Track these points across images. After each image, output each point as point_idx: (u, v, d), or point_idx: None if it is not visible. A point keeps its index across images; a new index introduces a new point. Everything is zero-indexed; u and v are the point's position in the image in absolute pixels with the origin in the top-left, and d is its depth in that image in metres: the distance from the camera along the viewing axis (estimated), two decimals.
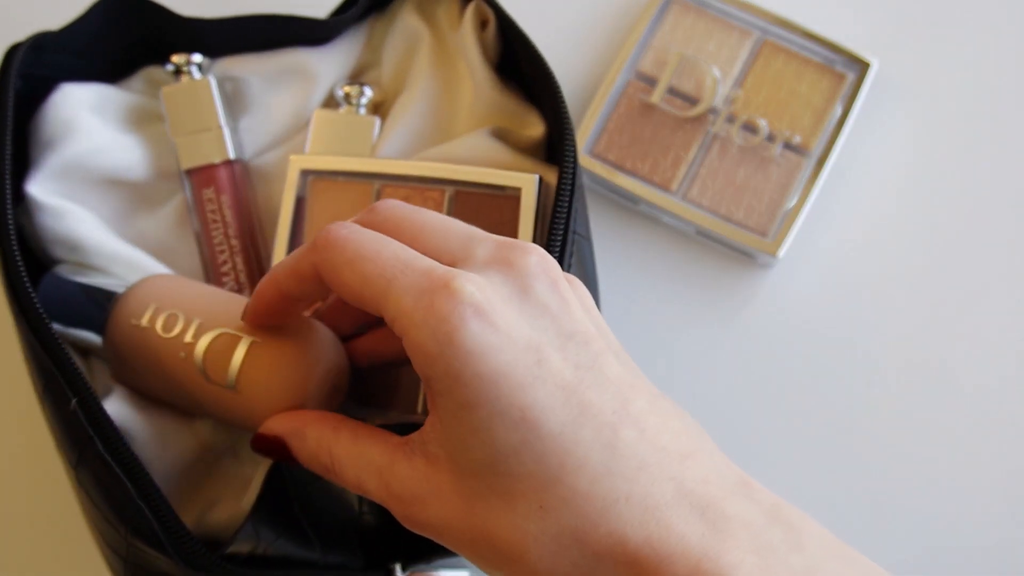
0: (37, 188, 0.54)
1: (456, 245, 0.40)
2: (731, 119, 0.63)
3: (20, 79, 0.53)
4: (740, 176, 0.62)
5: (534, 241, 0.52)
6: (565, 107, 0.53)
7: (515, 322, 0.37)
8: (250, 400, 0.49)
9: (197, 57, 0.58)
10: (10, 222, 0.49)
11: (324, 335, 0.50)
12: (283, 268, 0.43)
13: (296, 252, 0.42)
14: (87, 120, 0.55)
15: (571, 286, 0.40)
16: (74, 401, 0.46)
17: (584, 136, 0.64)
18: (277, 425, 0.45)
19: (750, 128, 0.63)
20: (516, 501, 0.36)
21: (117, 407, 0.50)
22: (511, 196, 0.53)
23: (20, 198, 0.54)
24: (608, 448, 0.36)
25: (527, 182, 0.53)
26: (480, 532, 0.37)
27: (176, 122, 0.57)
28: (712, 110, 0.63)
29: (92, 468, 0.46)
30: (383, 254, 0.39)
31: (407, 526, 0.40)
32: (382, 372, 0.53)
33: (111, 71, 0.59)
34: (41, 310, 0.48)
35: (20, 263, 0.49)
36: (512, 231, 0.53)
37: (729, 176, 0.62)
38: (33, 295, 0.48)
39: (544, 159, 0.57)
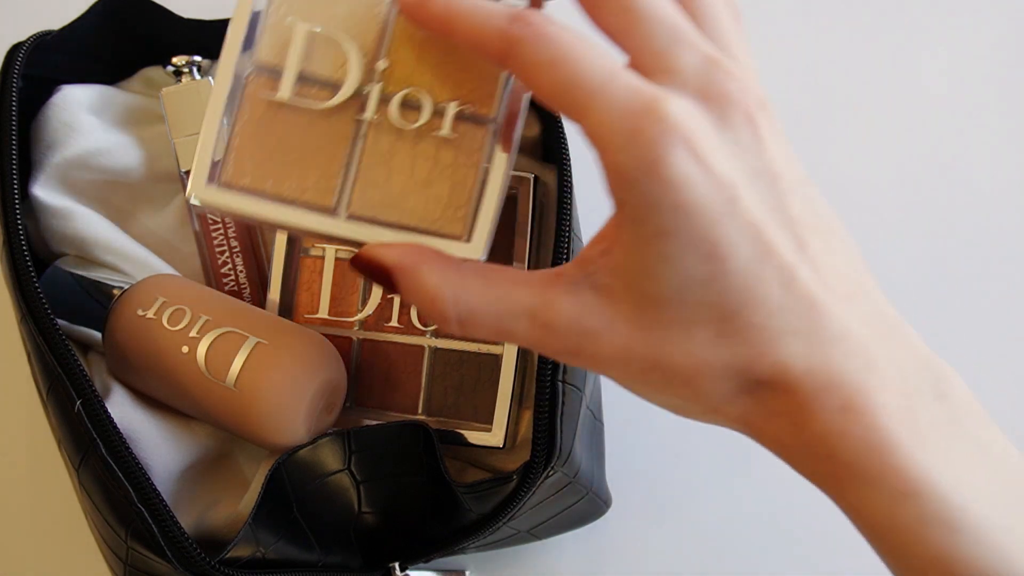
0: (41, 190, 0.54)
1: (661, 45, 0.38)
2: (385, 99, 0.46)
3: (20, 79, 0.54)
4: (414, 168, 0.46)
5: (529, 244, 0.52)
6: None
7: (715, 155, 0.37)
8: (247, 400, 0.49)
9: (197, 58, 0.58)
10: (20, 225, 0.50)
11: (328, 350, 0.51)
12: (466, 21, 0.40)
13: (487, 18, 0.39)
14: (89, 121, 0.56)
15: (766, 114, 0.39)
16: (78, 403, 0.47)
17: (202, 162, 0.45)
18: (388, 254, 0.42)
19: (410, 105, 0.46)
20: (694, 330, 0.37)
21: (119, 407, 0.50)
22: (508, 196, 0.52)
23: (23, 199, 0.54)
24: (785, 286, 0.37)
25: (523, 182, 0.53)
26: (654, 360, 0.37)
27: (176, 123, 0.57)
28: (359, 93, 0.45)
29: (94, 470, 0.46)
30: (588, 57, 0.37)
31: (567, 361, 0.40)
32: (379, 373, 0.54)
33: (111, 72, 0.59)
34: (50, 312, 0.48)
35: (31, 265, 0.49)
36: (510, 232, 0.53)
37: (400, 171, 0.46)
38: (43, 298, 0.48)
39: (540, 158, 0.56)
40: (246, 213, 0.45)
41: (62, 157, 0.55)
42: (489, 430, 0.52)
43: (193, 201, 0.45)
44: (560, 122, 0.53)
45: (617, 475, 0.58)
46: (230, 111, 0.45)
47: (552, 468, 0.48)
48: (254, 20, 0.45)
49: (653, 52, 0.38)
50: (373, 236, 0.44)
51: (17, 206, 0.50)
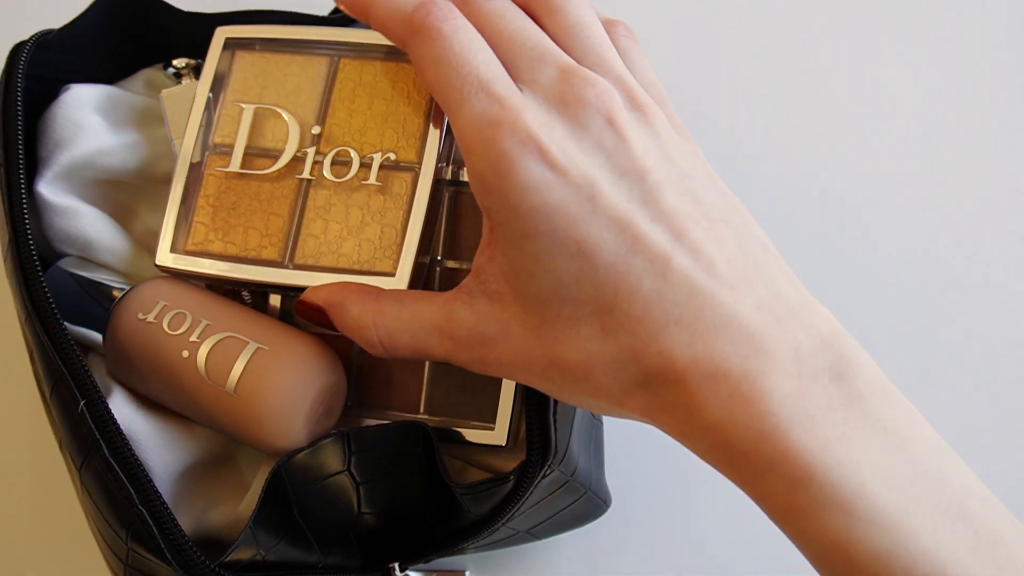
0: (47, 188, 0.54)
1: (524, 63, 0.42)
2: (320, 159, 0.53)
3: (24, 79, 0.54)
4: (348, 216, 0.53)
5: None
6: None
7: (571, 159, 0.39)
8: (247, 405, 0.49)
9: (196, 61, 0.58)
10: (28, 224, 0.50)
11: (328, 355, 0.51)
12: (380, 5, 0.45)
13: (396, 9, 0.44)
14: (96, 121, 0.56)
15: (640, 114, 0.42)
16: (82, 404, 0.47)
17: (167, 233, 0.53)
18: (317, 295, 0.47)
19: (341, 162, 0.53)
20: (579, 325, 0.39)
21: (119, 409, 0.50)
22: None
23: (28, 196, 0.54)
24: (660, 277, 0.38)
25: None
26: (550, 359, 0.40)
27: (176, 124, 0.57)
28: (298, 157, 0.53)
29: (96, 471, 0.46)
30: (468, 65, 0.41)
31: (478, 370, 0.42)
32: (381, 372, 0.54)
33: (112, 70, 0.59)
34: (56, 312, 0.48)
35: (38, 265, 0.49)
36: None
37: (337, 220, 0.53)
38: (49, 297, 0.48)
39: None
40: (208, 273, 0.53)
41: (71, 156, 0.55)
42: (492, 428, 0.52)
43: (159, 264, 0.53)
44: None
45: (617, 475, 0.59)
46: (193, 187, 0.53)
47: (549, 467, 0.48)
48: (209, 105, 0.55)
49: (519, 68, 0.42)
50: (315, 281, 0.50)
51: (24, 205, 0.51)
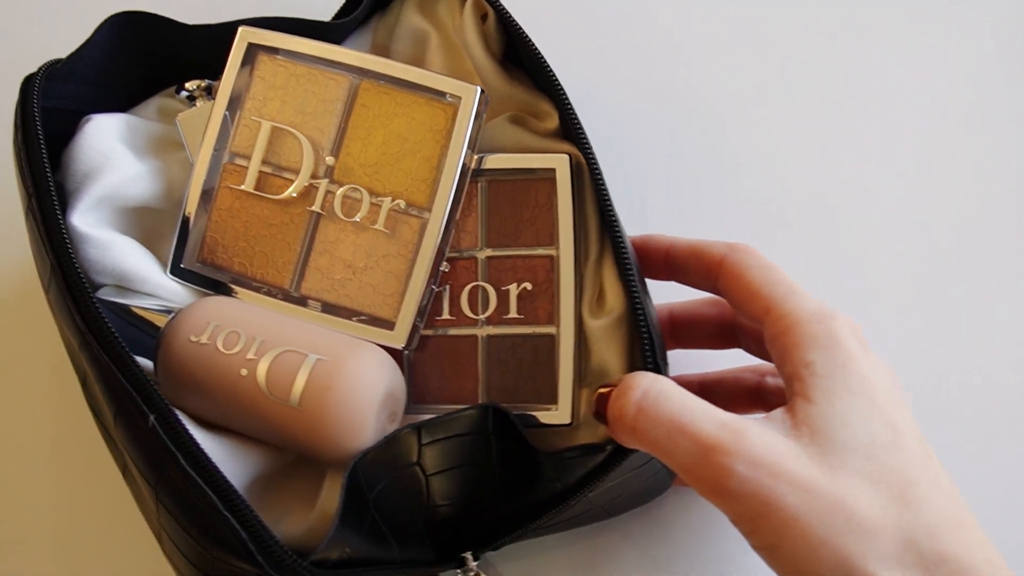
0: (80, 220, 0.54)
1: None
2: (332, 190, 0.54)
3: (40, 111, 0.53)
4: (354, 257, 0.54)
5: (575, 225, 0.53)
6: (566, 99, 0.54)
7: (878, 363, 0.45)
8: (313, 418, 0.49)
9: (207, 82, 0.59)
10: (70, 247, 0.50)
11: (386, 360, 0.51)
12: (685, 241, 0.52)
13: (711, 243, 0.51)
14: (120, 149, 0.56)
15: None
16: (152, 418, 0.46)
17: (196, 246, 0.56)
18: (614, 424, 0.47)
19: (352, 199, 0.54)
20: (880, 487, 0.41)
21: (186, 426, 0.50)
22: (543, 179, 0.54)
23: None
24: (952, 493, 0.43)
25: (559, 162, 0.54)
26: (840, 501, 0.41)
27: (196, 146, 0.57)
28: (311, 185, 0.54)
29: (173, 485, 0.46)
30: (783, 272, 0.48)
31: (753, 472, 0.42)
32: (434, 368, 0.54)
33: (125, 98, 0.59)
34: (112, 330, 0.47)
35: (87, 286, 0.49)
36: (549, 214, 0.54)
37: (342, 258, 0.54)
38: (104, 316, 0.48)
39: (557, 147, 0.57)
40: (219, 283, 0.55)
41: (101, 186, 0.55)
42: (552, 409, 0.52)
43: (170, 274, 0.55)
44: (569, 112, 0.54)
45: None
46: (207, 198, 0.55)
47: None
48: (226, 119, 0.55)
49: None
50: (315, 316, 0.54)
51: (63, 229, 0.50)
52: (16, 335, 0.65)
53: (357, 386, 0.49)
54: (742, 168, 0.68)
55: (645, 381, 0.45)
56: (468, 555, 0.52)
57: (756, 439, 0.42)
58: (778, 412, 0.44)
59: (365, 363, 0.50)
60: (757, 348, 0.55)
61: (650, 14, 0.72)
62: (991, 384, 0.63)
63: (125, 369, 0.47)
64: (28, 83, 0.54)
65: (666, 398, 0.44)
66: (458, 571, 0.52)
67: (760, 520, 0.42)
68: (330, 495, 0.51)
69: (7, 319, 0.65)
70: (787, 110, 0.69)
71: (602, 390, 0.47)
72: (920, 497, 0.41)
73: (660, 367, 0.49)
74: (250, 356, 0.50)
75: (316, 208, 0.54)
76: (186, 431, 0.46)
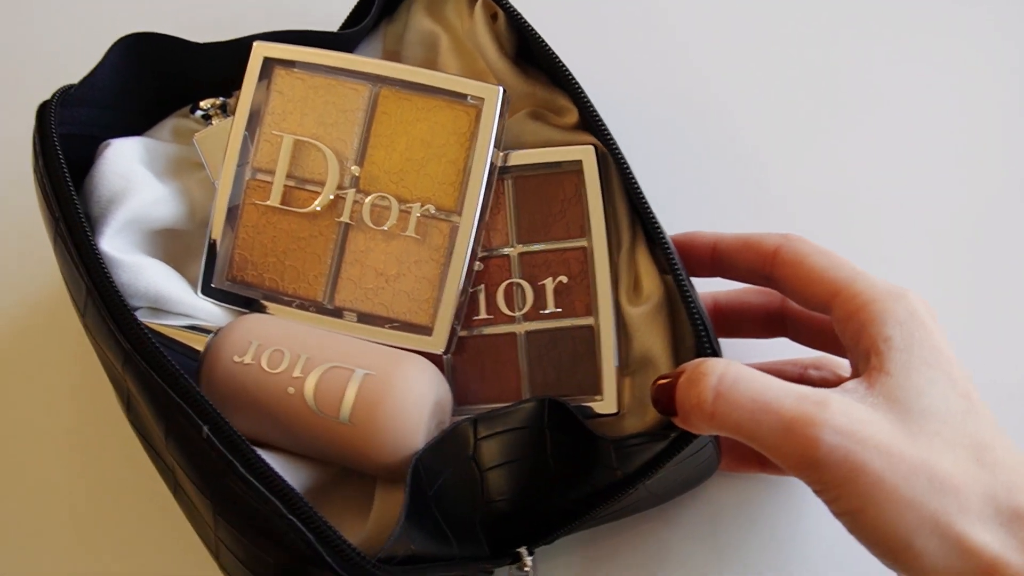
0: (109, 245, 0.53)
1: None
2: (359, 200, 0.54)
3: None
4: (385, 265, 0.54)
5: (605, 214, 0.54)
6: (582, 92, 0.55)
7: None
8: (364, 433, 0.49)
9: (221, 100, 0.59)
10: (104, 267, 0.49)
11: (431, 370, 0.51)
12: (733, 235, 0.53)
13: (762, 236, 0.52)
14: (142, 172, 0.56)
15: None
16: (206, 429, 0.46)
17: (225, 263, 0.56)
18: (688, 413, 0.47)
19: (380, 207, 0.54)
20: (957, 450, 0.43)
21: None
22: (569, 171, 0.55)
23: None
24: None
25: (585, 153, 0.54)
26: (923, 463, 0.42)
27: (215, 165, 0.57)
28: (338, 196, 0.55)
29: (232, 495, 0.45)
30: (842, 256, 0.50)
31: (836, 438, 0.43)
32: (474, 369, 0.54)
33: (139, 120, 0.59)
34: (157, 345, 0.47)
35: (126, 304, 0.48)
36: (578, 206, 0.54)
37: (374, 267, 0.54)
38: (146, 331, 0.47)
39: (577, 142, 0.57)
40: (250, 299, 0.55)
41: (127, 210, 0.54)
42: (598, 400, 0.52)
43: (201, 293, 0.55)
44: (588, 107, 0.55)
45: None
46: (233, 216, 0.55)
47: None
48: (246, 135, 0.55)
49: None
50: (353, 331, 0.54)
51: (96, 250, 0.50)
52: (35, 359, 0.64)
53: (407, 399, 0.49)
54: (750, 165, 0.68)
55: (719, 367, 0.46)
56: (523, 550, 0.51)
57: (839, 408, 0.43)
58: (853, 383, 0.45)
59: (413, 375, 0.50)
60: (806, 335, 0.56)
61: (654, 9, 0.72)
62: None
63: (173, 382, 0.47)
64: (44, 110, 0.54)
65: (744, 380, 0.45)
66: (512, 566, 0.52)
67: (847, 486, 0.43)
68: (383, 504, 0.51)
69: (24, 344, 0.64)
70: (796, 107, 0.70)
71: (661, 381, 0.48)
72: (995, 459, 0.43)
73: (717, 350, 0.49)
74: (296, 374, 0.50)
75: (344, 219, 0.54)
76: (241, 438, 0.46)
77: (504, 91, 0.54)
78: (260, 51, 0.56)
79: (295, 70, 0.56)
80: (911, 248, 0.66)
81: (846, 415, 0.43)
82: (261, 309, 0.55)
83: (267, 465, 0.45)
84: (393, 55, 0.61)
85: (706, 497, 0.59)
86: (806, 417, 0.43)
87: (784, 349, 0.57)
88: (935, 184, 0.67)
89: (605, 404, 0.52)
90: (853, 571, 0.57)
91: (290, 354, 0.50)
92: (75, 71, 0.56)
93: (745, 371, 0.45)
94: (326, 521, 0.45)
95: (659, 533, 0.59)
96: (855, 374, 0.48)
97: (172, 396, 0.46)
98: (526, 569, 0.51)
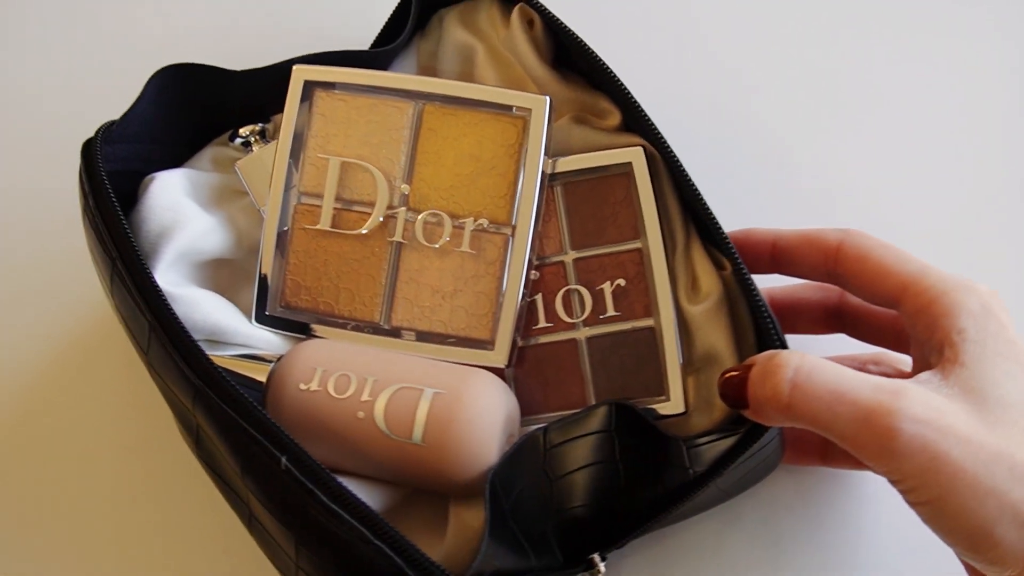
0: (162, 279, 0.53)
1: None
2: (410, 220, 0.54)
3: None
4: (441, 282, 0.54)
5: (660, 217, 0.54)
6: (627, 92, 0.55)
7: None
8: (438, 452, 0.49)
9: (260, 126, 0.59)
10: (165, 301, 0.49)
11: (498, 383, 0.51)
12: (792, 231, 0.53)
13: (808, 230, 0.52)
14: (189, 204, 0.55)
15: None
16: (284, 459, 0.46)
17: (277, 291, 0.56)
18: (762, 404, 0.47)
19: (433, 224, 0.54)
20: None
21: None
22: (617, 174, 0.55)
23: None
24: None
25: (635, 155, 0.54)
26: (1001, 452, 0.43)
27: (259, 191, 0.57)
28: (388, 216, 0.55)
29: (315, 524, 0.45)
30: (906, 251, 0.50)
31: (912, 426, 0.43)
32: (537, 379, 0.54)
33: (178, 152, 0.59)
34: (231, 381, 0.47)
35: (193, 340, 0.48)
36: (629, 208, 0.54)
37: (429, 285, 0.54)
38: (217, 368, 0.47)
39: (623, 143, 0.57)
40: (305, 325, 0.55)
41: (178, 243, 0.54)
42: (665, 400, 0.53)
43: (255, 322, 0.55)
44: (634, 107, 0.55)
45: None
46: (283, 242, 0.55)
47: None
48: (290, 161, 0.55)
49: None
50: (409, 349, 0.54)
51: (156, 285, 0.50)
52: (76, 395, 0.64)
53: (479, 415, 0.49)
54: (773, 164, 0.68)
55: (794, 358, 0.46)
56: (595, 556, 0.51)
57: (916, 398, 0.43)
58: (927, 375, 0.45)
59: (482, 390, 0.50)
60: (865, 331, 0.56)
61: (677, 9, 0.72)
62: None
63: (248, 415, 0.47)
64: (89, 148, 0.53)
65: (819, 371, 0.45)
66: (585, 574, 0.52)
67: (926, 475, 0.43)
68: (458, 522, 0.51)
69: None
70: (802, 106, 0.69)
71: (730, 374, 0.48)
72: None
73: (785, 342, 0.49)
74: (365, 398, 0.50)
75: (397, 238, 0.54)
76: (320, 466, 0.46)
77: (550, 100, 0.53)
78: (300, 74, 0.55)
79: (336, 91, 0.55)
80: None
81: (924, 404, 0.43)
82: (317, 333, 0.55)
83: (349, 491, 0.45)
84: (428, 71, 0.61)
85: (765, 493, 0.59)
86: (884, 407, 0.43)
87: (840, 346, 0.57)
88: (937, 183, 0.67)
89: (672, 404, 0.52)
90: (913, 563, 0.58)
91: (356, 378, 0.50)
92: (104, 107, 0.57)
93: (820, 362, 0.46)
94: (413, 544, 0.45)
95: (721, 532, 0.59)
96: (920, 368, 0.48)
97: (247, 429, 0.46)
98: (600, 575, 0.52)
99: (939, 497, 0.43)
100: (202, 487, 0.57)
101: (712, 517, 0.59)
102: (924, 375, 0.46)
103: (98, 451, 0.62)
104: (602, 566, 0.51)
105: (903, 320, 0.49)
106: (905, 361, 0.55)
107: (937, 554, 0.50)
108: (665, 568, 0.58)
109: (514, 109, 0.54)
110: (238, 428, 0.46)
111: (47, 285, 0.66)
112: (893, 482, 0.45)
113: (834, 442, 0.45)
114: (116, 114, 0.55)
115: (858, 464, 0.55)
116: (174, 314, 0.49)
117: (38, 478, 0.62)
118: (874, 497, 0.59)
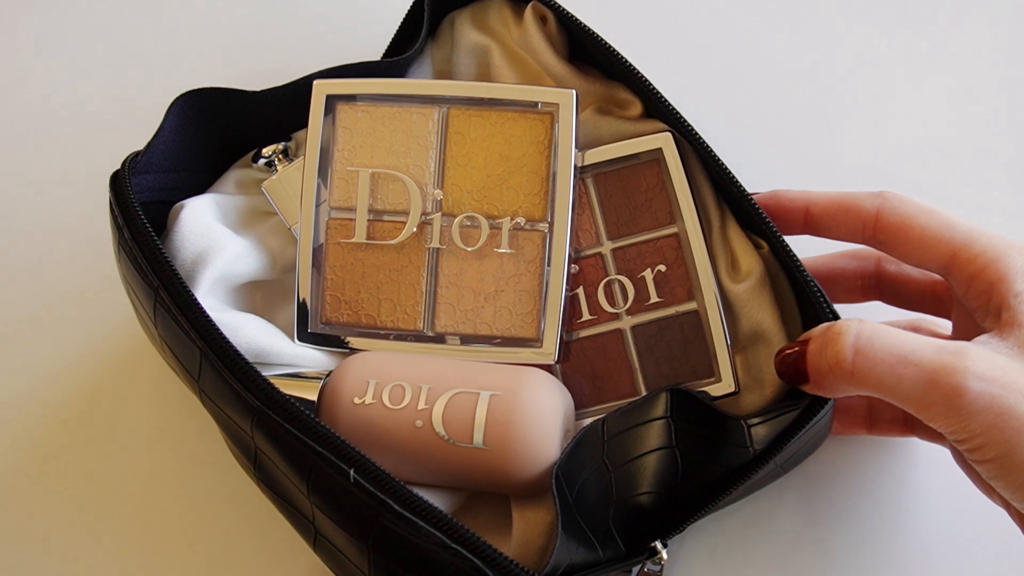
0: (204, 305, 0.53)
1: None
2: (446, 225, 0.54)
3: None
4: (482, 284, 0.54)
5: (695, 200, 0.54)
6: (646, 80, 0.55)
7: None
8: (501, 454, 0.49)
9: (282, 145, 0.58)
10: (216, 327, 0.49)
11: (554, 380, 0.51)
12: (825, 196, 0.52)
13: (858, 195, 0.51)
14: (221, 230, 0.55)
15: None
16: (351, 472, 0.46)
17: (317, 308, 0.56)
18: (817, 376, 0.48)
19: (469, 227, 0.54)
20: None
21: None
22: (647, 161, 0.55)
23: None
24: None
25: (664, 140, 0.54)
26: None
27: (287, 210, 0.57)
28: (422, 223, 0.55)
29: (388, 534, 0.45)
30: (949, 213, 0.49)
31: (974, 384, 0.43)
32: (585, 371, 0.55)
33: (202, 178, 0.59)
34: (289, 399, 0.47)
35: (247, 361, 0.48)
36: (662, 193, 0.55)
37: (471, 287, 0.54)
38: (276, 388, 0.47)
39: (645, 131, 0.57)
40: (349, 342, 0.55)
41: (212, 269, 0.54)
42: (715, 381, 0.53)
43: (298, 340, 0.55)
44: (655, 89, 0.55)
45: None
46: (318, 258, 0.55)
47: None
48: (323, 164, 0.55)
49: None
50: (458, 351, 0.54)
51: (204, 311, 0.49)
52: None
53: (537, 414, 0.49)
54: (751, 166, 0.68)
55: (854, 325, 0.46)
56: (657, 543, 0.52)
57: (979, 356, 0.44)
58: (984, 337, 0.46)
59: (538, 388, 0.50)
60: (905, 297, 0.56)
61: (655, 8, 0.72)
62: None
63: (311, 432, 0.46)
64: (117, 180, 0.53)
65: (880, 336, 0.45)
66: (647, 562, 0.52)
67: (993, 432, 0.43)
68: (522, 521, 0.51)
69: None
70: (797, 103, 0.70)
71: (787, 352, 0.48)
72: None
73: (836, 312, 0.50)
74: (421, 406, 0.50)
75: (434, 244, 0.54)
76: (389, 475, 0.46)
77: (576, 93, 0.54)
78: (322, 89, 0.55)
79: (357, 103, 0.55)
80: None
81: (989, 362, 0.44)
82: (360, 347, 0.55)
83: (421, 498, 0.45)
84: (444, 76, 0.61)
85: (812, 466, 0.59)
86: (949, 366, 0.44)
87: (875, 313, 0.58)
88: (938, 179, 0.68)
89: (723, 385, 0.53)
90: (959, 528, 0.58)
91: (411, 387, 0.50)
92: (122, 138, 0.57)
93: (880, 327, 0.46)
94: (490, 545, 0.45)
95: (772, 510, 0.59)
96: (961, 333, 0.49)
97: (312, 446, 0.46)
98: (663, 562, 0.52)
99: (1005, 453, 0.43)
100: (237, 510, 0.58)
101: (760, 495, 0.59)
102: (982, 337, 0.46)
103: (129, 471, 0.62)
104: (664, 553, 0.52)
105: (952, 286, 0.49)
106: (944, 325, 0.56)
107: (985, 518, 0.51)
108: (724, 549, 0.58)
109: (539, 105, 0.54)
110: (302, 445, 0.46)
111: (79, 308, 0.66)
112: (958, 443, 0.45)
113: (897, 406, 0.46)
114: (125, 140, 0.56)
115: (903, 430, 0.55)
116: (226, 339, 0.49)
117: (72, 495, 0.62)
118: (920, 462, 0.59)
